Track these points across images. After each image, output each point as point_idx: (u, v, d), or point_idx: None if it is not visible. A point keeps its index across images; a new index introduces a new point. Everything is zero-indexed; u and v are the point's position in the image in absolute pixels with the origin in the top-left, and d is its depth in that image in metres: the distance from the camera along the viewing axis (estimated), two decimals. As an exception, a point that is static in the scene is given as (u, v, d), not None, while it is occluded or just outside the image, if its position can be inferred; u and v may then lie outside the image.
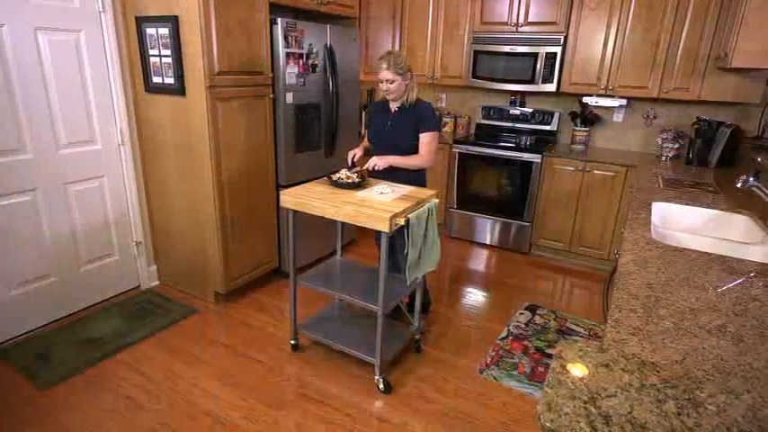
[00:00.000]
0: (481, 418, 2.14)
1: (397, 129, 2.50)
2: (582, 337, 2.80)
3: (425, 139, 2.45)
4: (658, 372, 0.79)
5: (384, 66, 2.35)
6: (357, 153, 2.59)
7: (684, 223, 2.35)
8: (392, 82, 2.37)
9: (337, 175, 2.39)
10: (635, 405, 0.69)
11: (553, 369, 0.77)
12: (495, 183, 3.96)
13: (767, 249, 1.85)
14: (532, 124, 4.19)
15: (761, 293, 1.38)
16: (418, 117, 2.45)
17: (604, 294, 2.04)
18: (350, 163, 2.54)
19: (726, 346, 1.10)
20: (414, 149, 2.48)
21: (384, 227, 1.98)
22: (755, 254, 1.87)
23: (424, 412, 2.16)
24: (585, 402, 0.69)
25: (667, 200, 2.41)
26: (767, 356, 1.06)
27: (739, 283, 1.45)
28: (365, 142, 2.71)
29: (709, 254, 1.66)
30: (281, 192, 2.28)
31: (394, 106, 2.52)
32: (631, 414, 0.67)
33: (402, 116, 2.49)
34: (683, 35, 3.27)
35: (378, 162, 2.41)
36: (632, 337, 1.13)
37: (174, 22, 2.49)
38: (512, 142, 4.00)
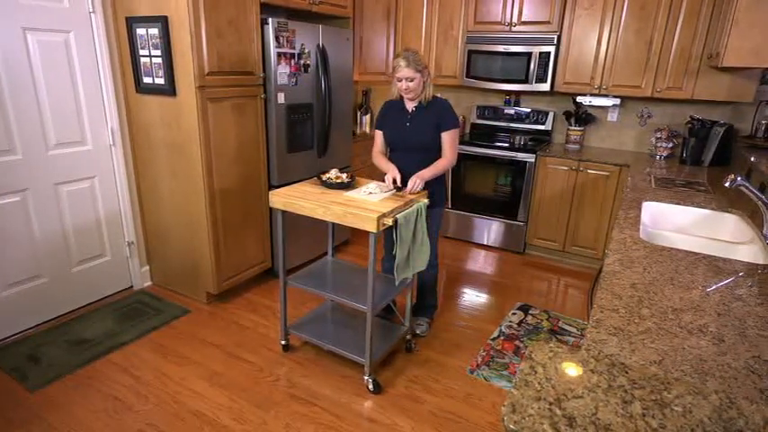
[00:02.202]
0: (470, 418, 2.13)
1: (417, 127, 2.44)
2: (573, 337, 2.80)
3: (449, 137, 2.43)
4: (627, 372, 0.79)
5: (403, 64, 2.28)
6: (398, 175, 2.38)
7: (675, 223, 2.34)
8: (412, 80, 2.31)
9: (327, 176, 2.38)
10: (600, 406, 0.68)
11: (521, 370, 0.76)
12: (490, 182, 3.96)
13: (756, 249, 1.85)
14: (527, 124, 4.19)
15: (745, 293, 1.37)
16: (439, 115, 2.41)
17: (589, 294, 2.03)
18: (393, 186, 2.35)
19: (706, 346, 1.09)
20: (435, 147, 2.45)
21: (371, 227, 1.97)
22: (744, 253, 1.86)
23: (413, 412, 2.16)
24: (551, 404, 0.68)
25: (658, 199, 2.40)
26: (746, 356, 1.05)
27: (726, 283, 1.44)
28: (380, 147, 2.58)
29: (696, 253, 1.66)
30: (270, 192, 2.28)
31: (411, 105, 2.45)
32: (596, 415, 0.66)
33: (421, 114, 2.43)
34: (676, 34, 3.26)
35: (419, 182, 2.32)
36: (612, 338, 1.12)
37: (163, 22, 2.49)
38: (506, 142, 4.00)
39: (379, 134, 2.59)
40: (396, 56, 2.33)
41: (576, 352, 0.85)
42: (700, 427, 0.65)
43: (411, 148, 2.47)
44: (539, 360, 0.79)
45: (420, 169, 2.38)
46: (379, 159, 2.56)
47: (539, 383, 0.73)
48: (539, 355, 0.81)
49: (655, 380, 0.77)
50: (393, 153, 2.57)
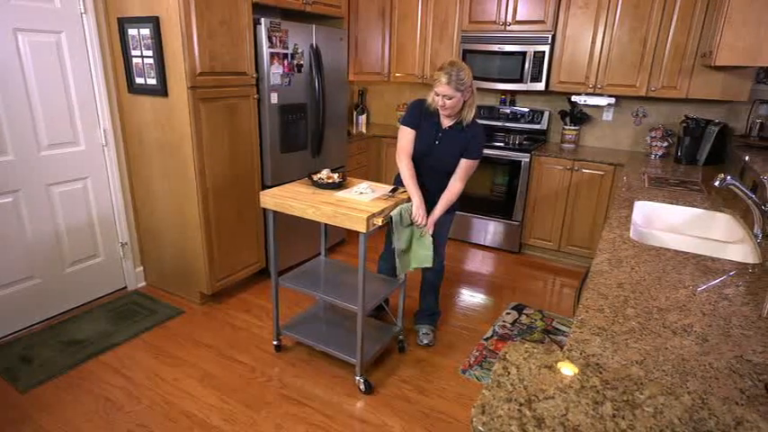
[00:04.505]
0: (461, 418, 2.13)
1: (446, 148, 2.29)
2: (567, 336, 2.79)
3: (468, 165, 2.29)
4: (601, 373, 0.78)
5: (444, 79, 2.10)
6: (423, 210, 2.27)
7: (668, 222, 2.34)
8: (450, 98, 2.14)
9: (318, 176, 2.38)
10: (571, 407, 0.68)
11: (494, 371, 0.76)
12: (486, 182, 3.95)
13: (746, 248, 1.84)
14: (522, 123, 4.18)
15: (732, 293, 1.37)
16: (468, 140, 2.26)
17: (577, 294, 2.03)
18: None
19: (689, 345, 1.09)
20: (453, 171, 2.35)
21: (361, 227, 1.97)
22: (735, 253, 1.86)
23: (405, 413, 2.15)
24: (521, 405, 0.68)
25: (652, 199, 2.40)
26: (729, 356, 1.05)
27: (713, 283, 1.43)
28: (409, 150, 2.34)
29: (685, 253, 1.65)
30: (261, 192, 2.27)
31: (447, 122, 2.28)
32: (566, 416, 0.66)
33: (453, 135, 2.28)
34: (671, 33, 3.26)
35: (430, 224, 2.26)
36: (595, 338, 1.12)
37: (155, 22, 2.49)
38: (502, 141, 3.99)
39: (410, 133, 2.33)
40: (439, 68, 2.16)
41: (552, 352, 0.84)
42: (669, 427, 0.64)
43: (432, 168, 2.35)
44: (513, 360, 0.78)
45: (437, 190, 2.33)
46: (408, 174, 2.31)
47: (511, 384, 0.72)
48: (513, 355, 0.80)
49: (628, 380, 0.76)
50: (414, 165, 2.38)
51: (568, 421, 0.65)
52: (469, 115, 2.25)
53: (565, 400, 0.69)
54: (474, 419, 0.64)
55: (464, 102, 2.22)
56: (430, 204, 2.33)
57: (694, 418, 0.66)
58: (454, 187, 2.34)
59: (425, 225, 2.28)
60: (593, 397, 0.70)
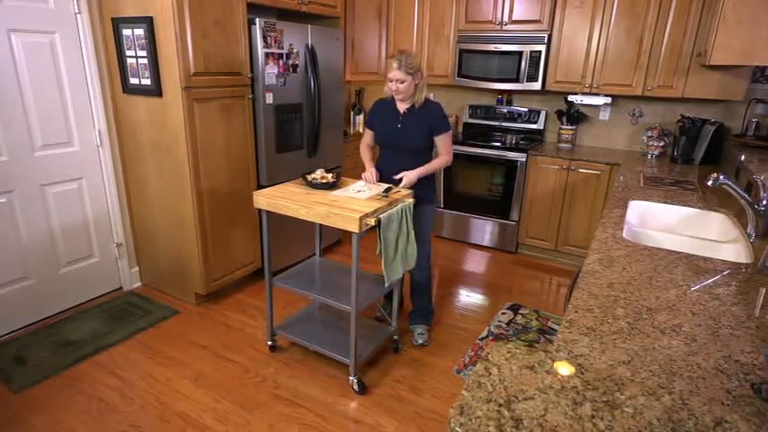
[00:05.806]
0: (455, 418, 2.12)
1: (408, 130, 2.45)
2: (563, 336, 2.78)
3: (444, 140, 2.47)
4: (582, 373, 0.78)
5: (395, 65, 2.30)
6: (375, 174, 2.50)
7: (662, 222, 2.33)
8: (402, 82, 2.32)
9: (312, 176, 2.38)
10: (550, 408, 0.67)
11: (475, 371, 0.75)
12: (483, 182, 3.95)
13: (740, 248, 1.84)
14: (519, 123, 4.18)
15: (722, 293, 1.36)
16: (432, 119, 2.43)
17: (567, 294, 2.02)
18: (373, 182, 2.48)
19: (677, 345, 1.09)
20: (425, 149, 2.49)
21: (353, 227, 1.97)
22: (728, 252, 1.85)
23: (398, 413, 2.15)
24: (500, 405, 0.67)
25: (646, 198, 2.39)
26: (717, 356, 1.04)
27: (704, 283, 1.43)
28: (368, 142, 2.65)
29: (678, 253, 1.65)
30: (255, 192, 2.27)
31: (403, 107, 2.46)
32: (544, 417, 0.65)
33: (413, 117, 2.44)
34: (667, 32, 3.25)
35: (411, 178, 2.38)
36: (583, 338, 1.12)
37: (149, 22, 2.48)
38: (498, 141, 3.99)
39: (369, 133, 2.63)
40: (390, 56, 2.33)
41: (535, 353, 0.84)
42: (648, 428, 0.64)
43: (401, 149, 2.48)
44: (494, 361, 0.78)
45: (411, 168, 2.40)
46: (364, 153, 2.65)
47: (491, 385, 0.72)
48: (495, 356, 0.80)
49: (609, 381, 0.76)
50: (383, 152, 2.59)
51: (546, 422, 0.64)
52: (421, 97, 2.43)
53: (544, 401, 0.69)
54: (452, 420, 0.64)
55: (416, 85, 2.38)
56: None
57: (673, 419, 0.65)
58: (442, 158, 2.50)
59: (374, 184, 2.44)
60: (572, 398, 0.70)
